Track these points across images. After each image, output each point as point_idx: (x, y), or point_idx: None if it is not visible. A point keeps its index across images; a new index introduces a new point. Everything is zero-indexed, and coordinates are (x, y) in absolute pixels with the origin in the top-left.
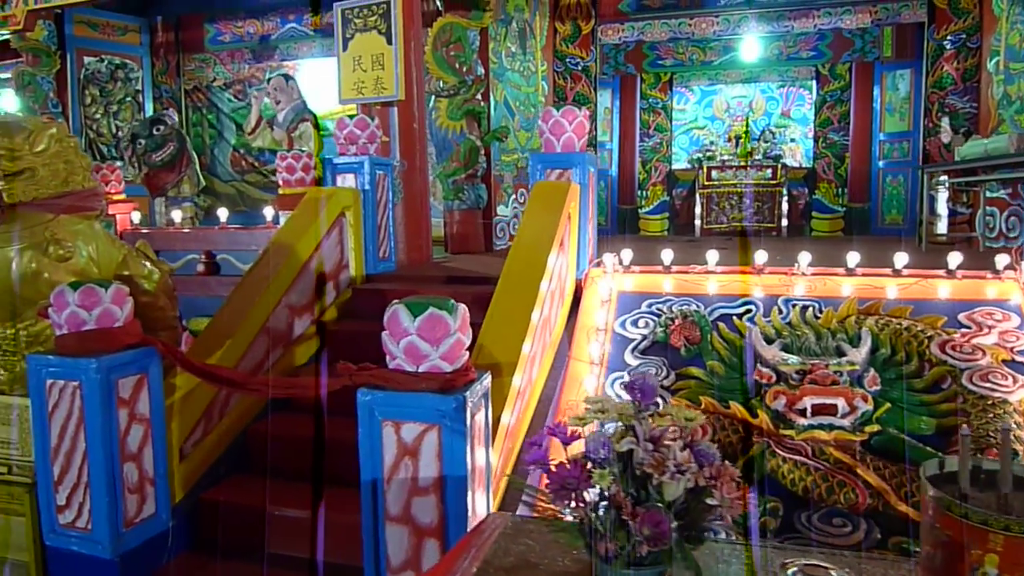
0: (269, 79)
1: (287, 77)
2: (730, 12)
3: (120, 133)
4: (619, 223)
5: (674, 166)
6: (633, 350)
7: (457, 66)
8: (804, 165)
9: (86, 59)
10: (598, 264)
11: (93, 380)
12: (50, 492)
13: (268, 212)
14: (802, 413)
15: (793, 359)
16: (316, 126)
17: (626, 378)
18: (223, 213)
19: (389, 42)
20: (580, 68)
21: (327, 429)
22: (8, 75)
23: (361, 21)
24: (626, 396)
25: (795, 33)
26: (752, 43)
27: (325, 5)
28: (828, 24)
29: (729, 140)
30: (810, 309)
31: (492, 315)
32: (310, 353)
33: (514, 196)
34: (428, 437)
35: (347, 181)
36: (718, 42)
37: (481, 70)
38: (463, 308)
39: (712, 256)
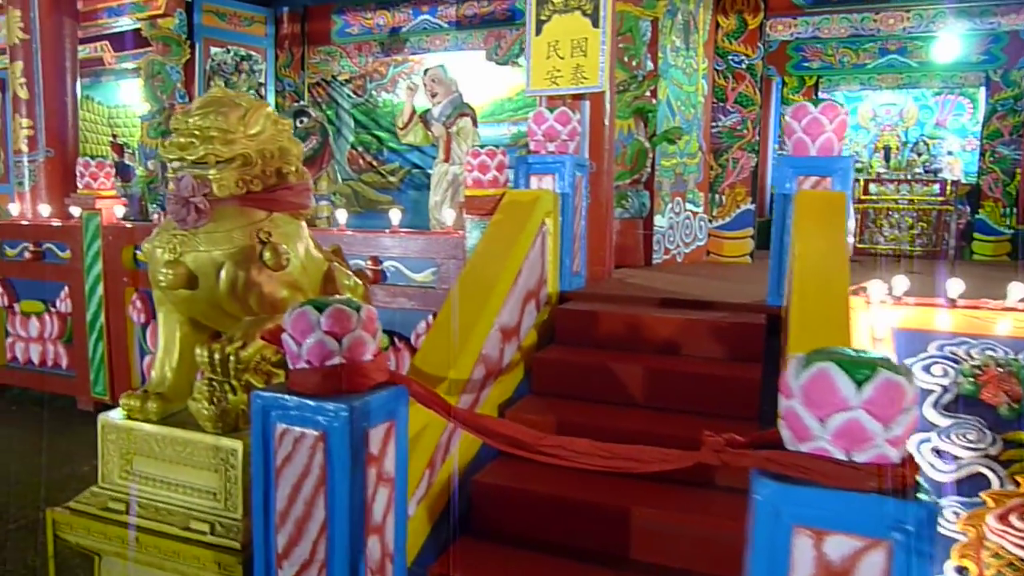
0: (426, 71)
1: (444, 67)
2: (924, 6)
3: None
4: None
5: None
6: (935, 404)
7: (626, 59)
8: (965, 181)
9: (213, 49)
10: (856, 292)
11: (344, 431)
12: (271, 567)
13: (448, 215)
14: None
15: None
16: (475, 121)
17: (936, 441)
18: (395, 215)
19: (595, 25)
20: (744, 66)
21: (578, 486)
22: (134, 64)
23: (561, 1)
24: (940, 464)
25: (966, 34)
26: (926, 44)
27: None
28: None
29: (876, 151)
30: None
31: None
32: (515, 384)
33: (671, 205)
34: (870, 558)
35: (544, 183)
36: (873, 43)
37: (651, 65)
38: (911, 370)
39: (1017, 289)
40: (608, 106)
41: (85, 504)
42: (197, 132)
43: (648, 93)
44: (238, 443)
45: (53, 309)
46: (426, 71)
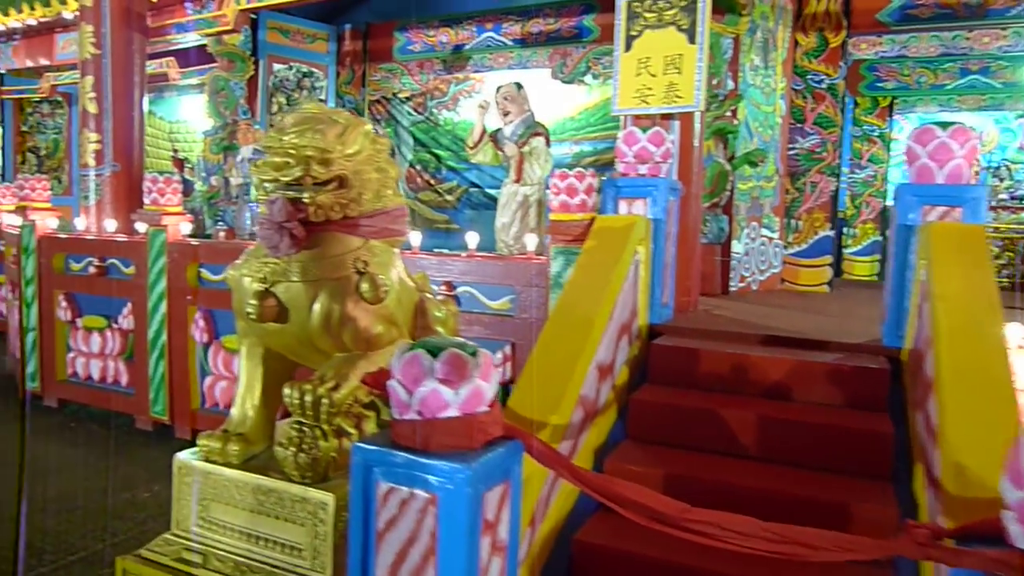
0: (499, 88)
1: (518, 85)
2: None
3: None
4: None
5: (888, 202)
6: None
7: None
8: None
9: (275, 66)
10: None
11: (462, 494)
12: None
13: (530, 240)
14: None
15: None
16: (548, 141)
17: None
18: (472, 238)
19: (691, 40)
20: (825, 86)
21: (692, 550)
22: (197, 80)
23: (654, 16)
24: None
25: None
26: (1013, 65)
27: (526, 12)
28: None
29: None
30: None
31: (952, 417)
32: (609, 427)
33: (747, 230)
34: None
35: (635, 208)
36: (953, 63)
37: (731, 84)
38: None
39: None
40: (697, 126)
41: (157, 553)
42: (292, 151)
43: (729, 113)
44: (329, 496)
45: (115, 325)
46: (499, 88)
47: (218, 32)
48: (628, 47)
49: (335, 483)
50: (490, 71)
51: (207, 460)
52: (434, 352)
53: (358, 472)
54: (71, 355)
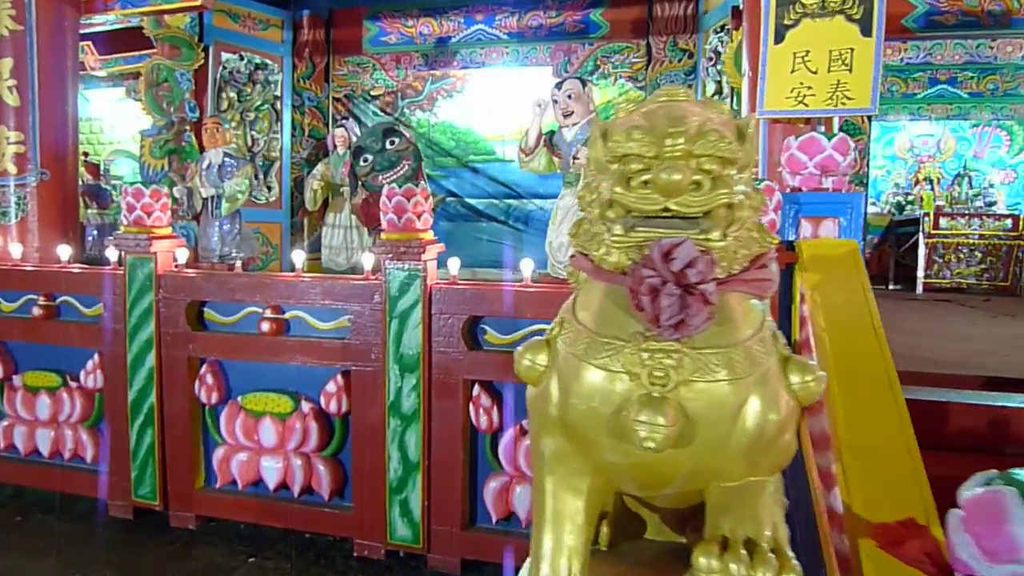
0: (559, 85)
1: (583, 81)
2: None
3: (256, 148)
4: None
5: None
6: None
7: None
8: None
9: (224, 56)
10: None
11: None
12: None
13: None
14: None
15: None
16: None
17: None
18: (527, 266)
19: (865, 33)
20: None
21: None
22: (115, 70)
23: (815, 3)
24: None
25: (1013, 66)
26: (977, 76)
27: (523, 4)
28: None
29: (916, 183)
30: None
31: None
32: None
33: None
34: None
35: (822, 229)
36: (923, 72)
37: None
38: None
39: None
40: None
41: None
42: (684, 163)
43: None
44: None
45: (73, 384)
46: (559, 84)
47: (180, 8)
48: (779, 39)
49: None
50: (480, 67)
51: None
52: None
53: None
54: (4, 423)
